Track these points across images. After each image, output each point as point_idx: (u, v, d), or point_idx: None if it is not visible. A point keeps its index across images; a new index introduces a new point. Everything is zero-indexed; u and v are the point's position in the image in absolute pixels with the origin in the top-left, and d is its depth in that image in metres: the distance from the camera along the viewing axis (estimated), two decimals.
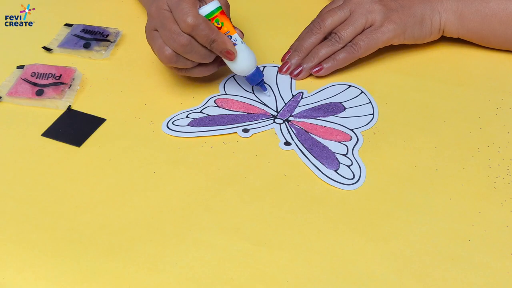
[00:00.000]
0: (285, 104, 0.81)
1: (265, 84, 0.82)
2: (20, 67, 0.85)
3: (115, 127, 0.78)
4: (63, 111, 0.80)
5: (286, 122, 0.79)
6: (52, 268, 0.62)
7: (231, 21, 0.78)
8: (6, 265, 0.63)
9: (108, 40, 0.90)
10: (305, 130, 0.77)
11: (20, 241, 0.65)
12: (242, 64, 0.78)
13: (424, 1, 0.86)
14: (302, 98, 0.82)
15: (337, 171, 0.72)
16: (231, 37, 0.77)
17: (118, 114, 0.80)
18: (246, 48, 0.78)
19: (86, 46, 0.89)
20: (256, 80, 0.80)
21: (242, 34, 0.78)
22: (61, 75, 0.83)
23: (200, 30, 0.73)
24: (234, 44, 0.77)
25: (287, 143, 0.76)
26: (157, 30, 0.76)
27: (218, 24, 0.76)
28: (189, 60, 0.76)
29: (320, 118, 0.79)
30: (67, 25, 0.93)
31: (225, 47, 0.76)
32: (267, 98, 0.82)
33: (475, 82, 0.85)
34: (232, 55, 0.77)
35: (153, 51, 0.78)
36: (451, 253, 0.64)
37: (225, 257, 0.63)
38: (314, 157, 0.74)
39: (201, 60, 0.77)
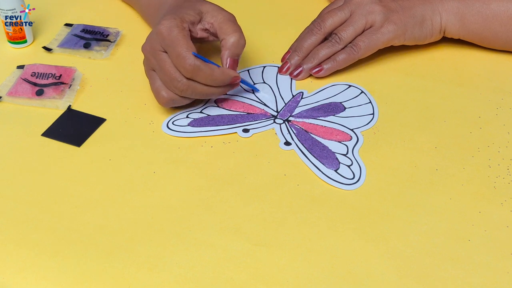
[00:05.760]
0: (285, 104, 0.81)
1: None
2: (20, 67, 0.85)
3: (115, 127, 0.78)
4: (63, 111, 0.80)
5: (286, 122, 0.79)
6: (52, 268, 0.62)
7: None
8: (6, 265, 0.63)
9: (108, 40, 0.90)
10: (305, 130, 0.77)
11: (20, 241, 0.65)
12: None
13: (424, 2, 0.86)
14: (302, 98, 0.82)
15: (337, 171, 0.72)
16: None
17: (118, 114, 0.80)
18: None
19: (86, 46, 0.89)
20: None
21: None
22: (61, 75, 0.83)
23: (201, 72, 0.73)
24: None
25: (287, 143, 0.76)
26: (154, 70, 0.76)
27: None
28: (187, 98, 0.77)
29: (320, 118, 0.79)
30: (67, 25, 0.93)
31: (228, 76, 0.75)
32: (267, 97, 0.82)
33: (475, 82, 0.85)
34: (238, 78, 0.76)
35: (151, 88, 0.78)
36: (451, 253, 0.64)
37: (225, 257, 0.63)
38: (314, 157, 0.74)
39: (202, 97, 0.77)
